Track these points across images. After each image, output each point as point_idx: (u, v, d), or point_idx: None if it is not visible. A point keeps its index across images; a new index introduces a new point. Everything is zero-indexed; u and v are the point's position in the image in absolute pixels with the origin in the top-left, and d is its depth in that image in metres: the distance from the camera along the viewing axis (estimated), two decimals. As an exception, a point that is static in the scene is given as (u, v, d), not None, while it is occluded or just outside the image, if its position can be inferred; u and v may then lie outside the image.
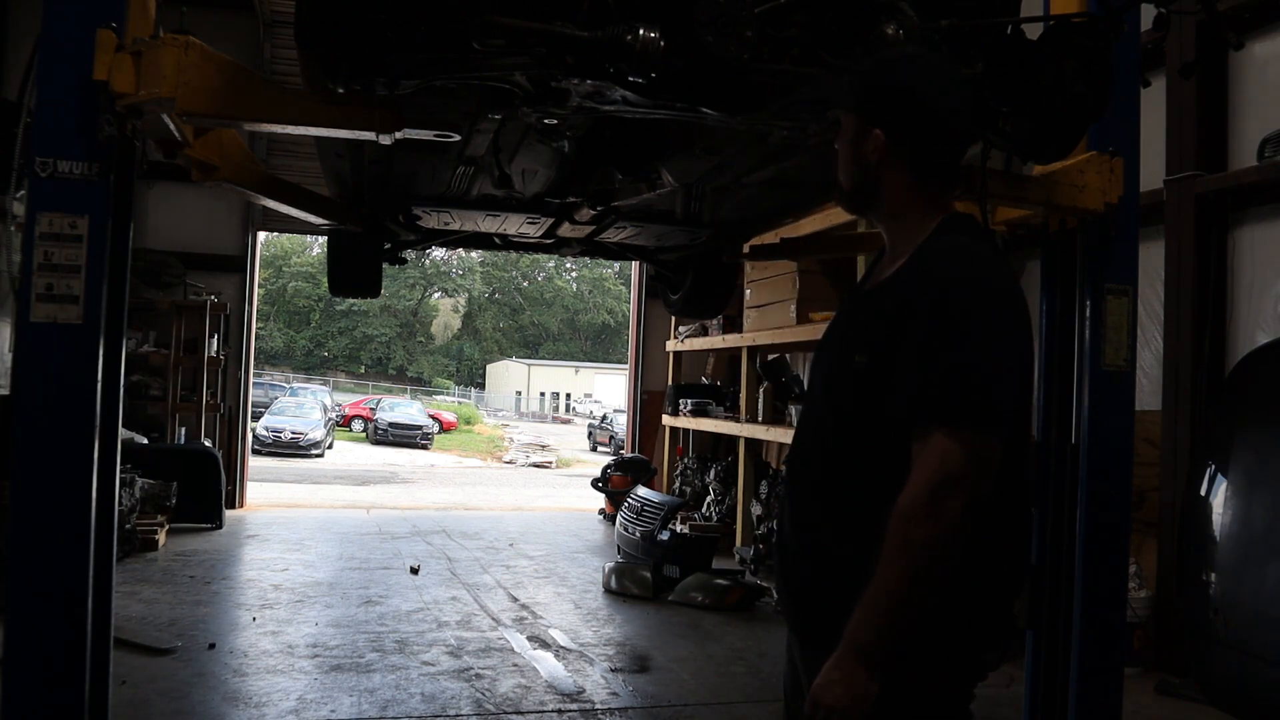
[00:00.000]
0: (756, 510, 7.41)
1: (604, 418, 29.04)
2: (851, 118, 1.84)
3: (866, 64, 1.95)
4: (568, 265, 55.82)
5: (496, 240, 4.75)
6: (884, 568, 1.57)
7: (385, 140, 2.56)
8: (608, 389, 42.61)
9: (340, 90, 2.30)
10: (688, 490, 9.39)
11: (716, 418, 8.70)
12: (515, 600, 6.30)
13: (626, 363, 12.36)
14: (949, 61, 2.25)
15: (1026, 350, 1.70)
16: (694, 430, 9.63)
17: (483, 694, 4.33)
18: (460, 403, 45.64)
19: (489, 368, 56.26)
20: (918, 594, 1.56)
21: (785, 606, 1.91)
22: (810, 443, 1.87)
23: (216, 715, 3.96)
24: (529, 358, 54.04)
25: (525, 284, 57.57)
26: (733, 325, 8.58)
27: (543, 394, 50.77)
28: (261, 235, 10.01)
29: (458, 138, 2.77)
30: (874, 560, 1.59)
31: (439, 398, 46.66)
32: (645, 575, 6.51)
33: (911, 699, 1.66)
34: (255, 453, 15.67)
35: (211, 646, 4.82)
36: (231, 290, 9.44)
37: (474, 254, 49.53)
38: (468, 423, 35.81)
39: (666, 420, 9.88)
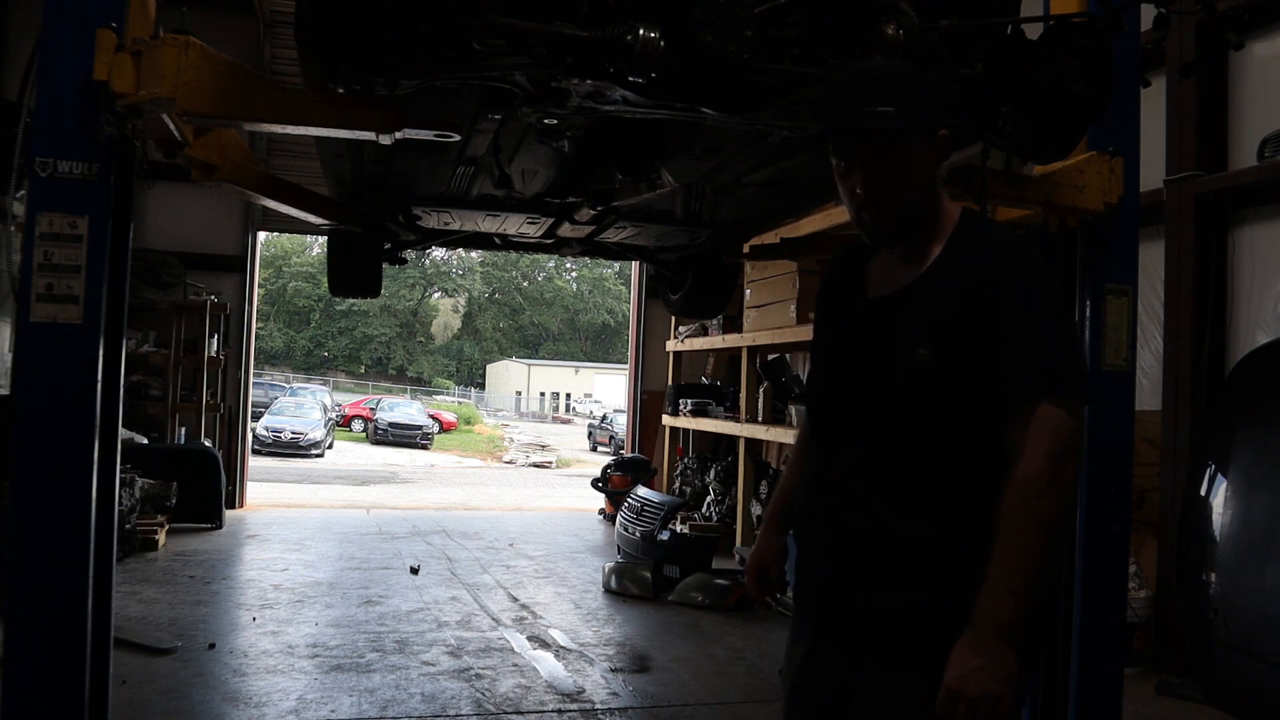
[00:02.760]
0: (756, 510, 7.41)
1: (604, 418, 29.03)
2: (914, 142, 1.77)
3: (884, 91, 1.77)
4: (568, 265, 55.84)
5: (496, 240, 4.75)
6: (1011, 542, 1.56)
7: (385, 140, 2.56)
8: (608, 389, 42.60)
9: (340, 90, 2.30)
10: (688, 490, 9.39)
11: (716, 418, 8.70)
12: (515, 600, 6.30)
13: (626, 363, 12.36)
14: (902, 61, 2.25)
15: None
16: (694, 430, 9.62)
17: (483, 694, 4.33)
18: (460, 403, 45.63)
19: (489, 368, 56.26)
20: (1050, 564, 1.58)
21: (835, 616, 1.82)
22: (857, 446, 1.81)
23: (216, 715, 3.96)
24: (529, 358, 54.03)
25: (525, 284, 57.56)
26: (733, 325, 8.58)
27: (543, 394, 50.76)
28: (261, 235, 10.00)
29: (458, 138, 2.77)
30: (962, 552, 1.60)
31: (439, 398, 46.65)
32: (645, 575, 6.51)
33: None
34: (255, 453, 15.67)
35: (211, 646, 4.82)
36: (231, 290, 9.43)
37: (474, 254, 49.54)
38: (468, 423, 35.80)
39: (666, 420, 9.88)
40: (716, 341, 8.98)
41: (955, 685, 1.55)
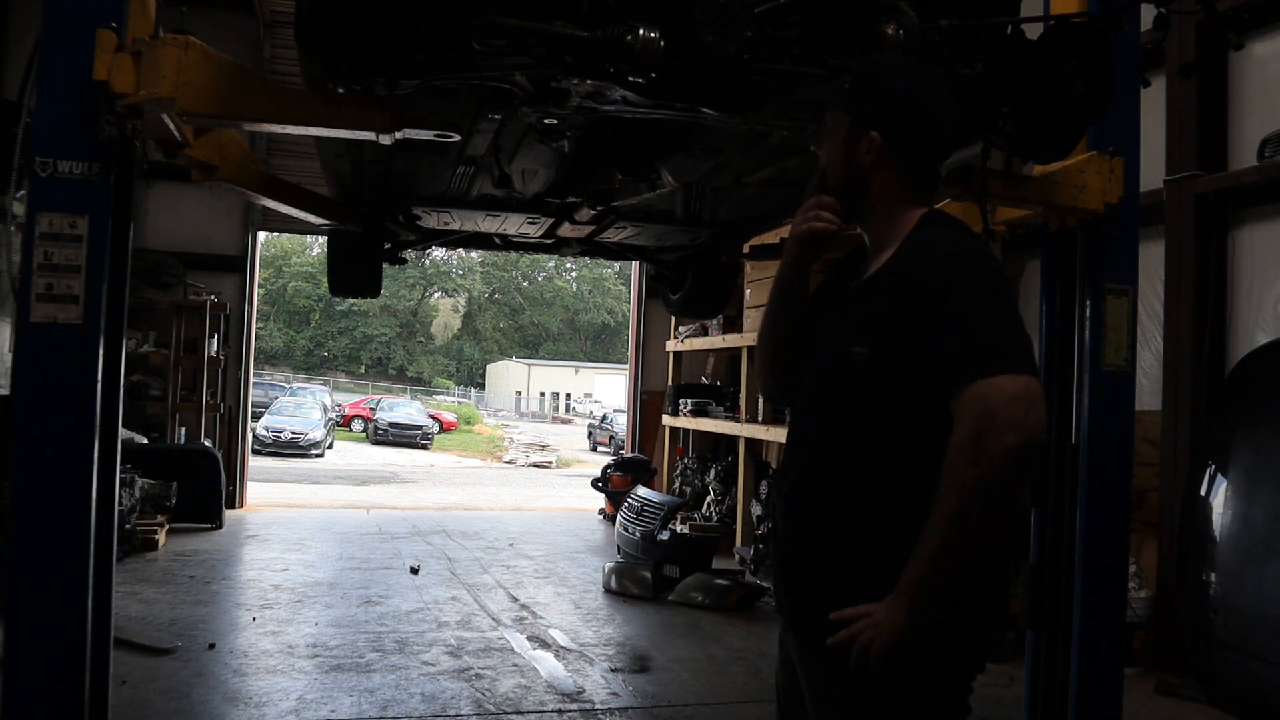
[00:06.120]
0: (756, 510, 7.41)
1: (604, 418, 29.02)
2: (844, 120, 1.87)
3: (859, 69, 1.98)
4: (568, 265, 55.80)
5: (496, 240, 4.75)
6: (933, 515, 1.59)
7: (385, 140, 2.56)
8: (608, 389, 42.58)
9: (340, 90, 2.30)
10: (688, 490, 9.39)
11: (716, 418, 8.70)
12: (515, 600, 6.30)
13: (626, 363, 12.36)
14: (938, 69, 2.27)
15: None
16: (694, 430, 9.63)
17: (483, 694, 4.33)
18: (460, 403, 45.60)
19: (489, 368, 56.23)
20: (966, 537, 1.58)
21: (782, 601, 1.90)
22: (804, 438, 1.87)
23: (216, 715, 3.96)
24: (529, 358, 54.00)
25: (525, 284, 57.53)
26: (733, 325, 8.58)
27: (543, 394, 50.74)
28: (261, 235, 10.00)
29: (458, 138, 2.77)
30: (878, 548, 1.61)
31: (439, 398, 46.62)
32: (645, 575, 6.51)
33: (914, 694, 1.67)
34: (255, 453, 15.66)
35: (211, 646, 4.82)
36: (231, 290, 9.44)
37: (474, 254, 49.52)
38: (468, 423, 35.79)
39: (666, 420, 9.88)
40: (716, 341, 8.98)
41: (854, 619, 1.65)
